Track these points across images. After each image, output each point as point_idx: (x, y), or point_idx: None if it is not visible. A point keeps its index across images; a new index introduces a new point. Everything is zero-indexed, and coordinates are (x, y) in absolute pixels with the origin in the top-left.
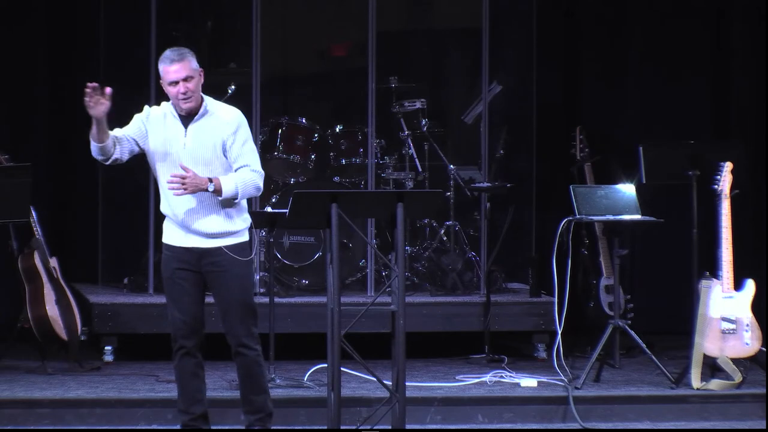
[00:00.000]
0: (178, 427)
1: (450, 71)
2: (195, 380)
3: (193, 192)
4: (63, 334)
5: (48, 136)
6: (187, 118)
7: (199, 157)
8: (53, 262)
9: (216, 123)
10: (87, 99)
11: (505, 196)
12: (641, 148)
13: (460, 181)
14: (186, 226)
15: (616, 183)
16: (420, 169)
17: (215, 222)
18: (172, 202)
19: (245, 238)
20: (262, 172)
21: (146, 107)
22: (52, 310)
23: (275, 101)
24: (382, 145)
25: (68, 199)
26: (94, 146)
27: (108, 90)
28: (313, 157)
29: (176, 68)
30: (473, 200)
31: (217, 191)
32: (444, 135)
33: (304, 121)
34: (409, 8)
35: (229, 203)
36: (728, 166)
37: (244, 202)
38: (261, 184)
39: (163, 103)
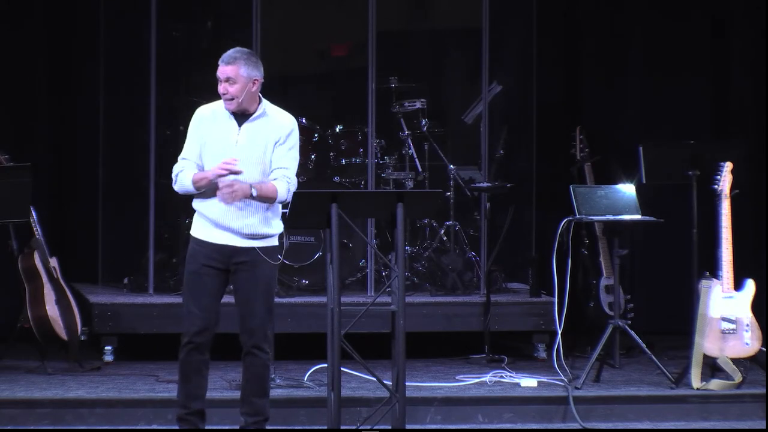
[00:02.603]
0: (177, 427)
1: (450, 71)
2: (198, 377)
3: (239, 199)
4: (63, 334)
5: (48, 136)
6: (242, 117)
7: (250, 155)
8: (53, 262)
9: (271, 125)
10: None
11: (505, 196)
12: (641, 148)
13: (460, 181)
14: (222, 224)
15: (616, 183)
16: (420, 169)
17: (254, 223)
18: (211, 199)
19: (276, 242)
20: (296, 181)
21: (196, 112)
22: (52, 310)
23: (275, 101)
24: (382, 145)
25: (68, 199)
26: (189, 190)
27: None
28: (313, 157)
29: (222, 69)
30: (473, 200)
31: (259, 197)
32: (444, 135)
33: (304, 121)
34: (409, 8)
35: (268, 205)
36: (728, 166)
37: (279, 207)
38: (292, 193)
39: (217, 101)
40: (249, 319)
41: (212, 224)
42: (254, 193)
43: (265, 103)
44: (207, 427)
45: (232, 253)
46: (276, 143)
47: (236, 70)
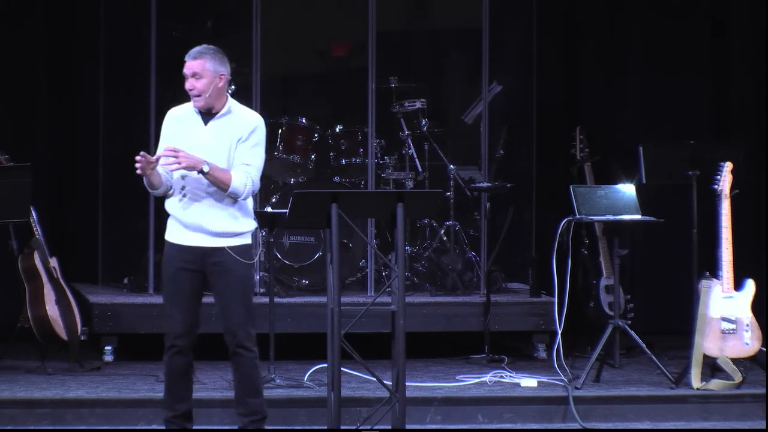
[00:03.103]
0: (165, 427)
1: (450, 71)
2: (184, 379)
3: (187, 168)
4: (63, 334)
5: (48, 136)
6: (208, 115)
7: (215, 153)
8: (53, 262)
9: (236, 122)
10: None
11: (505, 196)
12: (641, 148)
13: (460, 181)
14: (191, 223)
15: (616, 183)
16: (420, 169)
17: (221, 220)
18: (180, 200)
19: (249, 240)
20: (257, 181)
21: (168, 113)
22: (52, 310)
23: (275, 101)
24: (382, 145)
25: (68, 199)
26: (150, 190)
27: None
28: (313, 157)
29: (188, 64)
30: (473, 200)
31: (211, 175)
32: (444, 135)
33: (304, 121)
34: (409, 8)
35: (234, 202)
36: (728, 166)
37: (250, 205)
38: (249, 190)
39: (189, 102)
40: (228, 319)
41: (182, 226)
42: (205, 169)
43: (232, 102)
44: (207, 428)
45: (205, 255)
46: (239, 140)
47: (203, 65)
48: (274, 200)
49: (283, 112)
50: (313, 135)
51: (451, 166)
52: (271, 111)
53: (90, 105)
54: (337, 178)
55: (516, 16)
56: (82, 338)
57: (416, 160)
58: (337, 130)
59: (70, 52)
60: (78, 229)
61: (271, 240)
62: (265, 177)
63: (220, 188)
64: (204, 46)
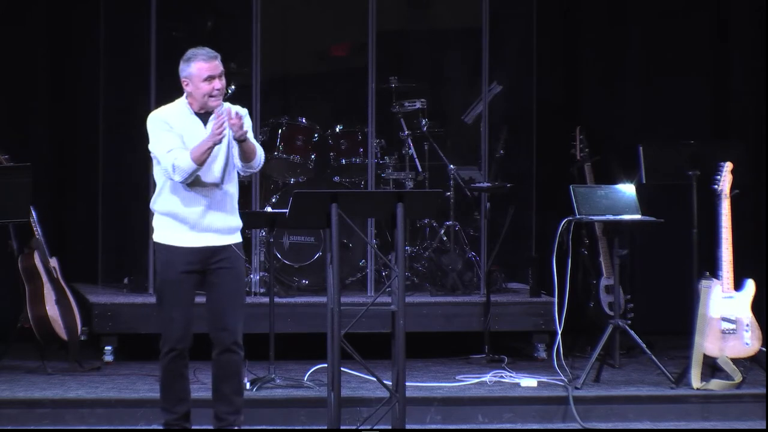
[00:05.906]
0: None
1: (450, 71)
2: (182, 381)
3: (237, 131)
4: (63, 334)
5: (48, 136)
6: (205, 115)
7: (218, 148)
8: (53, 262)
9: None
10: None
11: (505, 196)
12: (641, 148)
13: (460, 181)
14: (199, 224)
15: (616, 183)
16: (420, 169)
17: (227, 218)
18: (185, 200)
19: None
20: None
21: (155, 115)
22: (52, 310)
23: (275, 101)
24: (382, 145)
25: (68, 199)
26: (191, 168)
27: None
28: (313, 157)
29: (213, 65)
30: (473, 200)
31: (248, 143)
32: (444, 135)
33: (304, 121)
34: (409, 8)
35: (233, 203)
36: (728, 166)
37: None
38: (260, 166)
39: (172, 104)
40: (229, 316)
41: (188, 227)
42: (248, 135)
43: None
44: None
45: (211, 254)
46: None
47: (221, 65)
48: (274, 200)
49: (283, 112)
50: (313, 135)
51: (451, 166)
52: (271, 111)
53: (90, 105)
54: (337, 178)
55: (516, 16)
56: (82, 338)
57: (416, 160)
58: (337, 130)
59: (70, 52)
60: (78, 229)
61: (271, 240)
62: (264, 177)
63: (248, 158)
64: (200, 47)
